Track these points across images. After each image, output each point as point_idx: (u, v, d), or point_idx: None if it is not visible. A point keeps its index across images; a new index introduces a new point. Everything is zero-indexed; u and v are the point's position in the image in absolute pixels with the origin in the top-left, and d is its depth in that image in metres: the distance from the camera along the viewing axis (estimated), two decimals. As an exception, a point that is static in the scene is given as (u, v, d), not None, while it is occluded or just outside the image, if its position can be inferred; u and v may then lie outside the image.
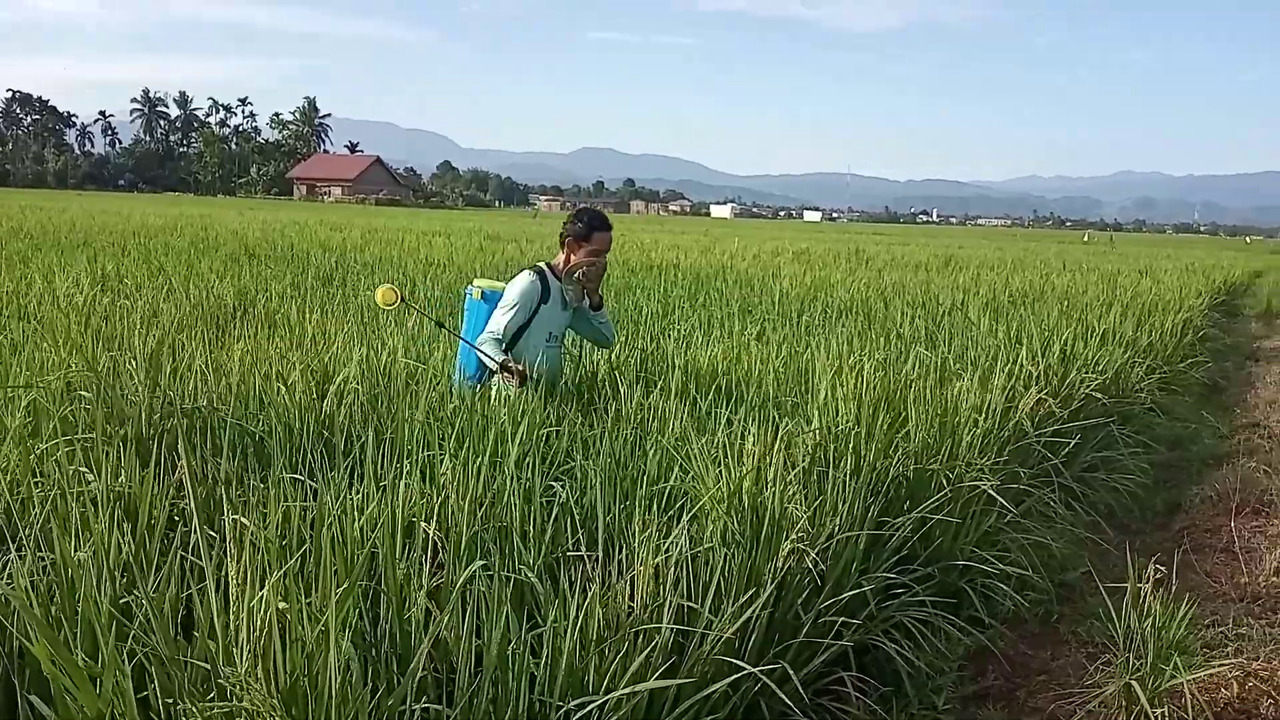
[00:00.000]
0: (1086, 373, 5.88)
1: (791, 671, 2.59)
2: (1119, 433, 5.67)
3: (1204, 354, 10.12)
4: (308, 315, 6.63)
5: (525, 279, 4.51)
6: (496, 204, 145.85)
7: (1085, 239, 59.70)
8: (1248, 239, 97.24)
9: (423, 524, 2.46)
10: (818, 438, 3.66)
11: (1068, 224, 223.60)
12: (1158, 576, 3.02)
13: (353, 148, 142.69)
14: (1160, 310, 9.92)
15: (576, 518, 2.87)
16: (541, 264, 4.66)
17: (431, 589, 2.29)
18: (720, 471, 3.15)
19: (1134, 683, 2.87)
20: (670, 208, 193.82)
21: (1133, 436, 5.96)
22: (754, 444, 3.25)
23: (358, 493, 2.68)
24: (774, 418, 4.13)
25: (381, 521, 2.43)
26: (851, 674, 2.97)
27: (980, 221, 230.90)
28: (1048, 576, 4.08)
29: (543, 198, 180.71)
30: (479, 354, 4.39)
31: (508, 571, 2.46)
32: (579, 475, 3.15)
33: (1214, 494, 5.34)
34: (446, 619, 2.13)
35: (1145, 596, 3.00)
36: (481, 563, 2.31)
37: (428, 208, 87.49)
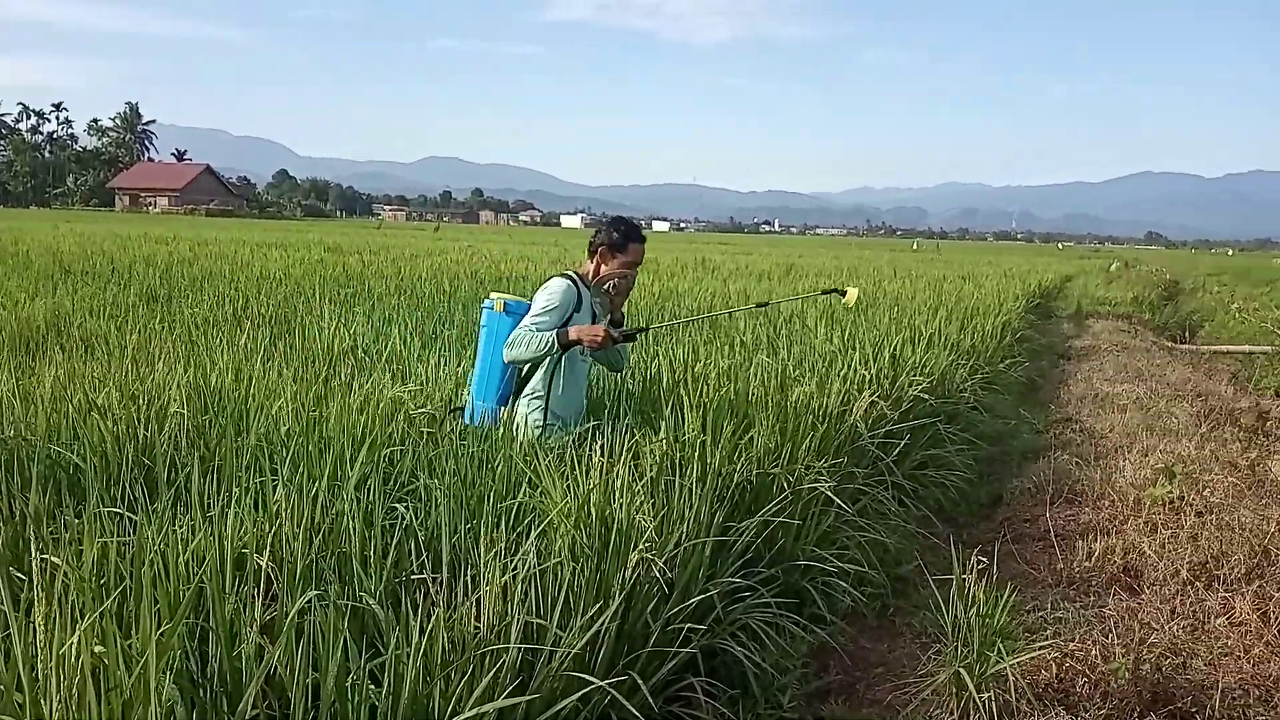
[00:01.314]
0: (915, 375, 6.20)
1: (640, 681, 2.62)
2: (946, 431, 6.00)
3: (1021, 354, 10.85)
4: (128, 336, 6.22)
5: (562, 282, 4.23)
6: (338, 214, 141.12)
7: (914, 247, 63.16)
8: (1059, 245, 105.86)
9: (254, 555, 2.34)
10: (665, 447, 3.72)
11: (898, 233, 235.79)
12: (981, 568, 3.21)
13: (180, 155, 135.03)
14: (981, 314, 10.58)
15: (421, 539, 2.81)
16: (570, 272, 4.38)
17: (265, 623, 2.19)
18: (568, 485, 3.15)
19: (962, 670, 3.04)
20: (520, 218, 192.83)
21: (958, 434, 6.31)
22: (600, 455, 3.26)
23: (182, 525, 2.53)
24: (623, 428, 4.17)
25: (209, 555, 2.30)
26: (701, 679, 3.03)
27: (819, 231, 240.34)
28: (884, 571, 4.28)
29: (387, 208, 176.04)
30: (533, 348, 4.01)
31: (348, 600, 2.38)
32: (423, 495, 3.09)
33: (1032, 486, 5.72)
34: (279, 653, 2.04)
35: (970, 587, 3.18)
36: (316, 592, 2.22)
37: (264, 218, 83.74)
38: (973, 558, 3.28)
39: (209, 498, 2.75)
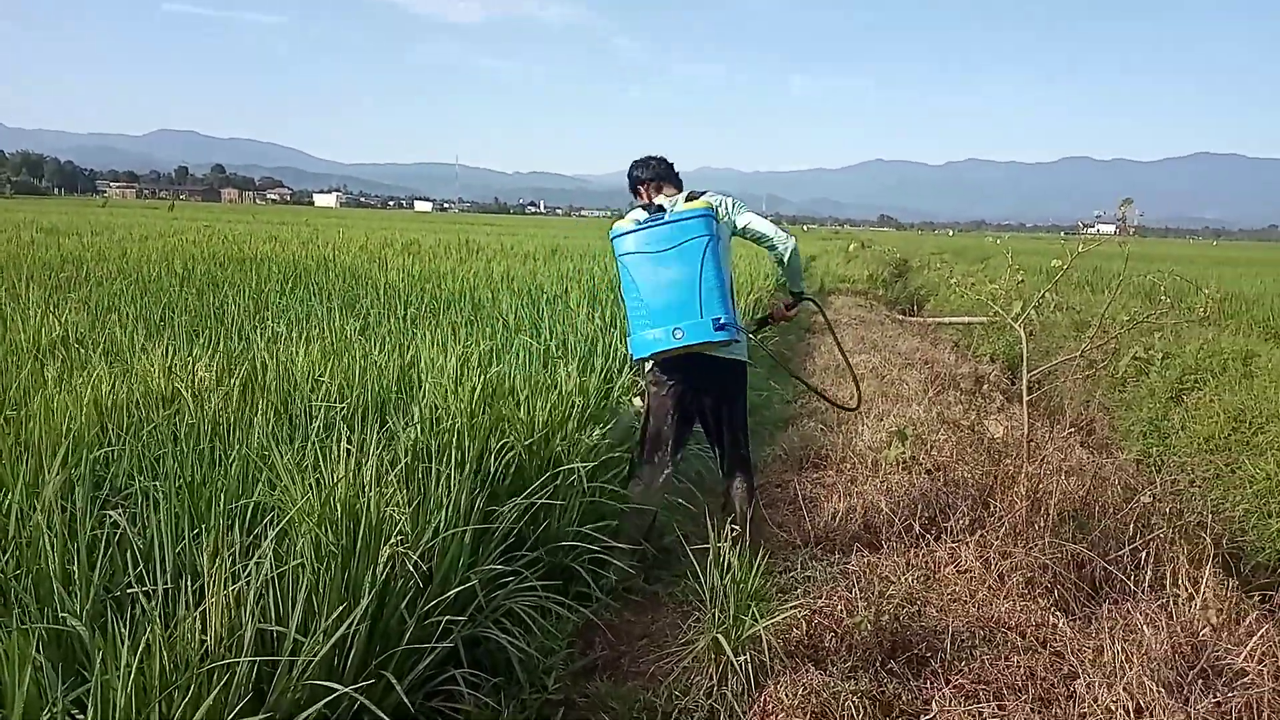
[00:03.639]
0: (675, 351, 6.33)
1: (395, 681, 2.48)
2: (705, 404, 6.16)
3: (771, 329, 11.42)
4: None
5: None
6: (56, 192, 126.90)
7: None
8: (804, 227, 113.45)
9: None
10: (419, 433, 3.56)
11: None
12: (735, 535, 3.30)
13: None
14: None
15: (139, 549, 2.51)
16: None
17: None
18: (311, 480, 2.93)
19: (719, 635, 3.11)
20: (268, 196, 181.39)
21: (716, 407, 6.51)
22: (345, 446, 3.06)
23: None
24: (377, 418, 3.96)
25: None
26: (463, 670, 2.93)
27: (584, 213, 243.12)
28: (649, 544, 4.33)
29: (114, 184, 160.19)
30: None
31: (47, 624, 2.08)
32: (140, 500, 2.77)
33: (783, 452, 6.01)
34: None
35: (725, 555, 3.26)
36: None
37: (-37, 196, 73.91)
38: (727, 525, 3.36)
39: None
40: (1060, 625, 3.59)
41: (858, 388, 5.13)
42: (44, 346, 5.14)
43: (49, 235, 16.45)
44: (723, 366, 4.19)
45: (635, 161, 4.44)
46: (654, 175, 4.35)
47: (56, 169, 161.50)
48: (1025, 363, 4.71)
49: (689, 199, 4.17)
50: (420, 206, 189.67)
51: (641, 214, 4.03)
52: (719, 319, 3.86)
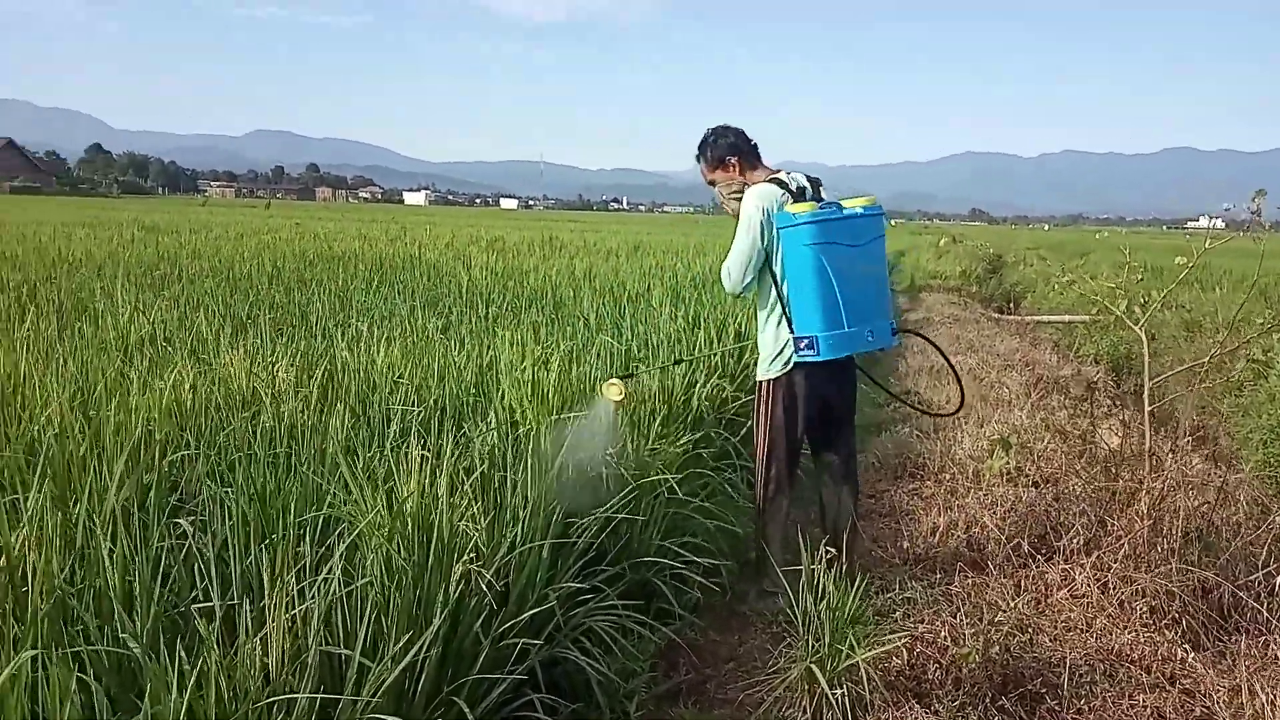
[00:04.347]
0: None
1: (467, 710, 2.32)
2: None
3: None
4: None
5: None
6: (160, 191, 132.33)
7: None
8: (891, 221, 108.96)
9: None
10: (495, 439, 3.41)
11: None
12: (829, 557, 3.06)
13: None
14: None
15: (207, 562, 2.41)
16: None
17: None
18: (383, 491, 2.80)
19: (813, 666, 2.88)
20: (360, 195, 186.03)
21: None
22: (420, 453, 2.93)
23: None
24: (454, 422, 3.84)
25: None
26: (540, 695, 2.76)
27: (667, 209, 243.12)
28: (733, 559, 4.12)
29: (214, 184, 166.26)
30: None
31: (108, 645, 1.98)
32: (209, 508, 2.67)
33: (876, 460, 5.72)
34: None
35: (819, 578, 3.03)
36: (31, 652, 1.79)
37: (76, 195, 77.48)
38: (822, 545, 3.12)
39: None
40: (1190, 660, 3.27)
41: (961, 391, 4.79)
42: (131, 344, 5.17)
43: (149, 233, 17.00)
44: (850, 365, 3.91)
45: (726, 129, 3.93)
46: (750, 149, 3.92)
47: (161, 169, 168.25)
48: (1148, 368, 4.34)
49: (772, 181, 3.83)
50: (506, 204, 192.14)
51: (777, 191, 3.70)
52: (893, 323, 3.67)
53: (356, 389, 4.19)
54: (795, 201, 3.67)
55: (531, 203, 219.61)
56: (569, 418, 3.85)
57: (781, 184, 3.75)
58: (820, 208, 3.60)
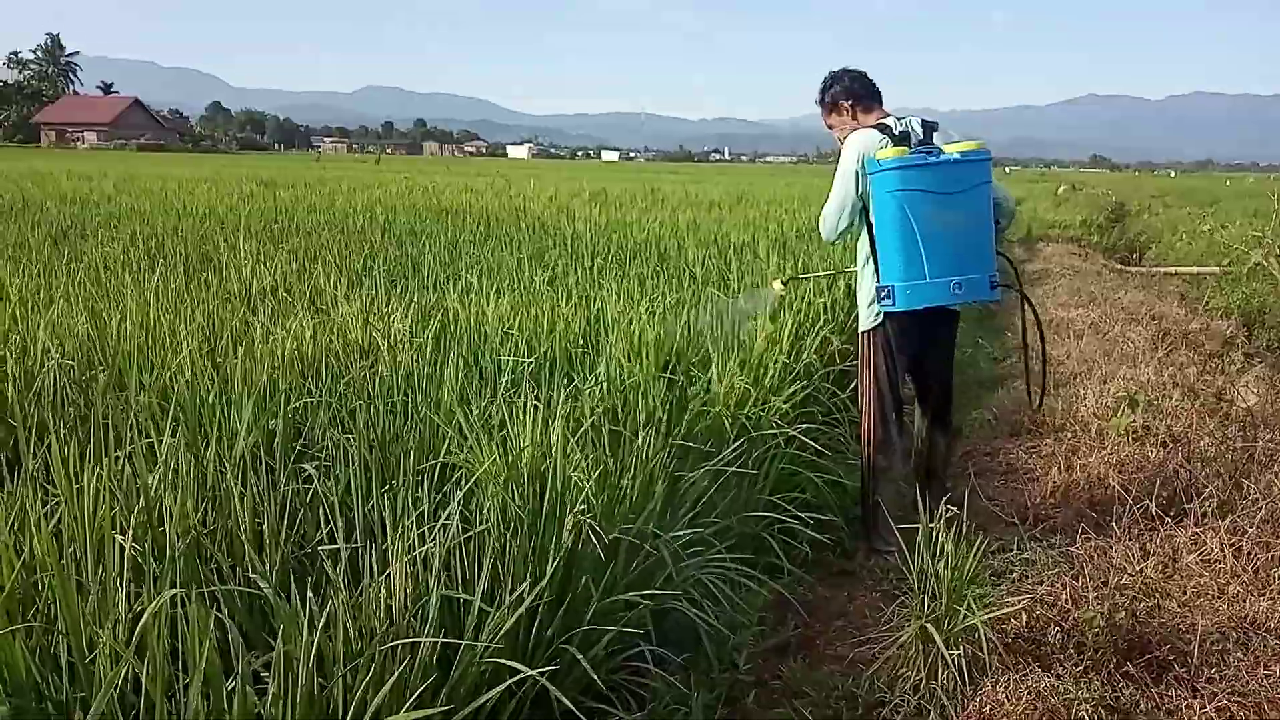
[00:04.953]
0: (871, 305, 5.94)
1: (580, 656, 2.35)
2: (902, 363, 5.76)
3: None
4: (23, 280, 5.71)
5: None
6: (276, 147, 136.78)
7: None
8: (1007, 169, 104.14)
9: (117, 536, 1.99)
10: (605, 391, 3.42)
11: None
12: (949, 516, 2.97)
13: (107, 88, 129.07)
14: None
15: (331, 507, 2.48)
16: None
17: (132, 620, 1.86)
18: (498, 439, 2.84)
19: (929, 625, 2.82)
20: (465, 149, 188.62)
21: (916, 365, 6.09)
22: (533, 403, 2.95)
23: (43, 501, 2.18)
24: (565, 373, 3.86)
25: (67, 538, 1.96)
26: (650, 647, 2.77)
27: (769, 159, 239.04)
28: (842, 514, 4.06)
29: (327, 140, 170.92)
30: None
31: (237, 585, 2.06)
32: (332, 454, 2.75)
33: (991, 417, 5.54)
34: (146, 658, 1.72)
35: (938, 536, 2.95)
36: (172, 591, 1.86)
37: (197, 152, 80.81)
38: (941, 506, 3.03)
39: (76, 466, 2.37)
40: (1333, 631, 3.07)
41: (1044, 386, 4.43)
42: (254, 295, 5.36)
43: (266, 188, 17.59)
44: (949, 318, 3.79)
45: (844, 73, 3.84)
46: (867, 93, 3.79)
47: (276, 125, 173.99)
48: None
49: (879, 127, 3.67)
50: (607, 156, 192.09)
51: (877, 136, 3.56)
52: (994, 276, 3.48)
53: (468, 340, 4.25)
54: (894, 146, 3.53)
55: (633, 154, 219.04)
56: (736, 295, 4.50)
57: (886, 129, 3.61)
58: (912, 153, 3.44)
